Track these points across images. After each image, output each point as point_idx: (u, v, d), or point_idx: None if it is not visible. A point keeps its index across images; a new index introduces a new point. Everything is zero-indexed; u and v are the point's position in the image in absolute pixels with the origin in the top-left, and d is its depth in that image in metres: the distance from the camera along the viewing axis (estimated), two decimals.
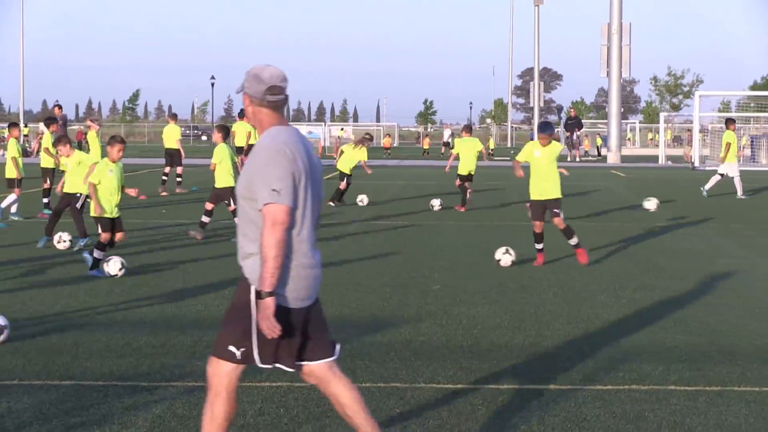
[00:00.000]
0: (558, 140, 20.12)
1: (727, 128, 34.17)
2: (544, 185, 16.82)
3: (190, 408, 8.60)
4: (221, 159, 20.05)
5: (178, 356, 10.43)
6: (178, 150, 34.83)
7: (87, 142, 25.20)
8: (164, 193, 32.44)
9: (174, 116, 39.41)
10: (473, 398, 9.00)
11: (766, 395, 9.17)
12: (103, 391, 9.12)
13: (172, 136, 35.47)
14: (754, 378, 9.77)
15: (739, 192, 33.00)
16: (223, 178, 20.03)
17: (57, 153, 20.41)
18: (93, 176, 15.58)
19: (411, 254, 18.25)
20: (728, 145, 33.26)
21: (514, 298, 13.90)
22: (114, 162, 15.57)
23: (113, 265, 15.22)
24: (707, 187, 33.26)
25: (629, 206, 28.34)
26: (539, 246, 16.94)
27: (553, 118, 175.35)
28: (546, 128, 17.12)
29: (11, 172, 23.50)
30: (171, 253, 18.21)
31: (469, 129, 29.70)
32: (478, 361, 10.35)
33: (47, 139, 24.33)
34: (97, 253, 15.31)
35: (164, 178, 33.85)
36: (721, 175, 33.38)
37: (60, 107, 44.05)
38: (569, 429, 8.15)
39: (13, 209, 23.63)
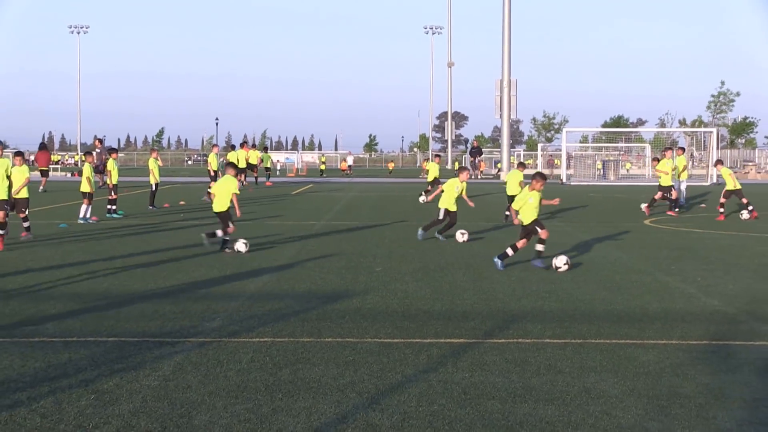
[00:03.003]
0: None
1: (679, 155, 31.43)
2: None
3: (202, 357, 8.55)
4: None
5: (193, 319, 10.35)
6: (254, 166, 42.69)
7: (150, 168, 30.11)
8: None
9: (246, 144, 44.72)
10: (405, 349, 9.00)
11: (614, 345, 9.25)
12: (138, 345, 9.03)
13: (245, 158, 41.68)
14: (605, 333, 9.85)
15: (682, 199, 30.95)
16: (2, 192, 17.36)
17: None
18: None
19: (360, 246, 18.23)
20: (684, 166, 30.81)
21: (435, 277, 13.91)
22: None
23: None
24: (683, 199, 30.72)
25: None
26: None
27: (461, 147, 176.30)
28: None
29: (85, 188, 23.13)
30: (186, 246, 18.04)
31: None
32: (408, 322, 10.35)
33: (87, 170, 23.17)
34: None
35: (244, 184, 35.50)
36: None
37: (101, 140, 43.51)
38: (474, 371, 8.17)
39: (88, 213, 23.37)
